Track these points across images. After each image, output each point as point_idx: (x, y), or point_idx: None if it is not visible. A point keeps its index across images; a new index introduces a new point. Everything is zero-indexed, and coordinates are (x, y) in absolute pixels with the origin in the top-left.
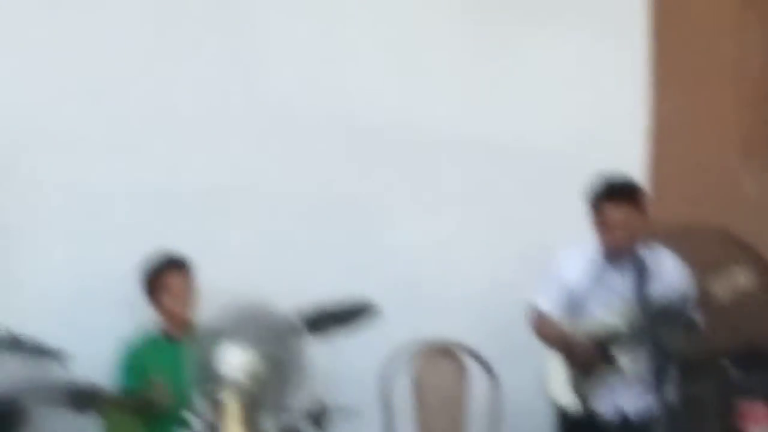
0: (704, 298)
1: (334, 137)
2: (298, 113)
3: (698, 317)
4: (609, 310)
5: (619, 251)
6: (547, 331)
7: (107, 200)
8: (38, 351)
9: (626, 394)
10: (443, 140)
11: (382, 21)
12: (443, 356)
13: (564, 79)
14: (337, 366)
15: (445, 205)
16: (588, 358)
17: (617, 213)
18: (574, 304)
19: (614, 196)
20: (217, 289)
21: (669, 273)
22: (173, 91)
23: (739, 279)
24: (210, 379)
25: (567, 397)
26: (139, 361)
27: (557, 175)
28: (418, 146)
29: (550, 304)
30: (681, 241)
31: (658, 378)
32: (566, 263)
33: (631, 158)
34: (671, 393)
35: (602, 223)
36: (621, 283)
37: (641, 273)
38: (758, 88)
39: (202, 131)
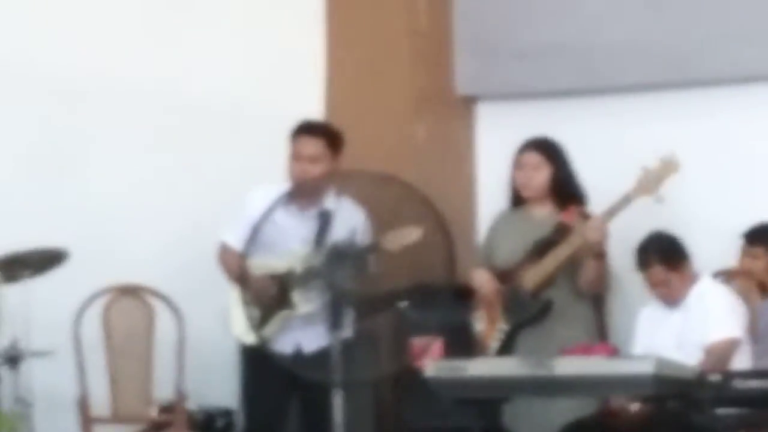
0: (377, 246)
1: (26, 88)
2: None
3: (372, 259)
4: (288, 251)
5: (307, 194)
6: (229, 264)
7: None
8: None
9: (304, 331)
10: (135, 90)
11: None
12: (131, 298)
13: (245, 32)
14: (31, 310)
15: (135, 154)
16: (264, 292)
17: (307, 145)
18: (256, 241)
19: (308, 130)
20: None
21: (349, 221)
22: None
23: (408, 236)
24: None
25: (246, 333)
26: None
27: (241, 122)
28: (109, 96)
29: (235, 240)
30: (354, 185)
31: (333, 316)
32: (253, 201)
33: (309, 107)
34: (347, 330)
35: (293, 155)
36: (302, 226)
37: (323, 221)
38: (429, 42)
39: None
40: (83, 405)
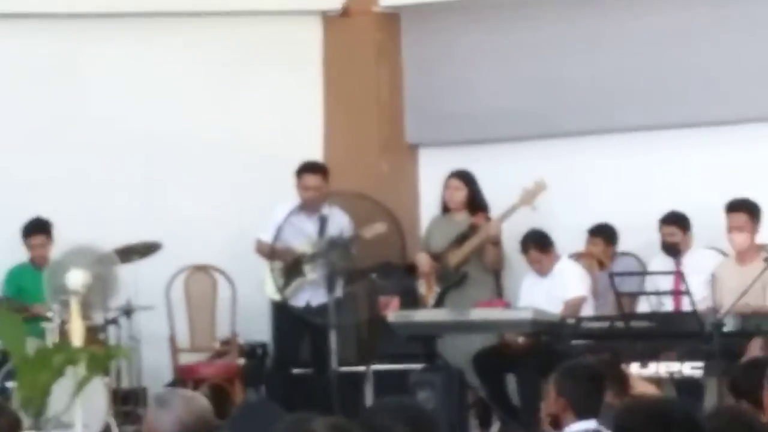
0: (357, 236)
1: (131, 138)
2: (113, 126)
3: (354, 247)
4: (301, 241)
5: (311, 206)
6: (262, 249)
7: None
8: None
9: (311, 292)
10: (204, 140)
11: (158, 67)
12: (202, 273)
13: (263, 107)
14: (139, 281)
15: (202, 181)
16: (285, 258)
17: (310, 180)
18: (280, 236)
19: (308, 169)
20: (69, 237)
21: (338, 222)
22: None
23: (378, 229)
24: (61, 290)
25: (275, 294)
26: (17, 280)
27: (270, 162)
28: (185, 144)
29: (266, 236)
30: (341, 200)
31: (329, 283)
32: (276, 213)
33: (313, 152)
34: (338, 292)
35: (301, 186)
36: (310, 226)
37: (322, 222)
38: (389, 108)
39: (64, 143)
40: (172, 341)
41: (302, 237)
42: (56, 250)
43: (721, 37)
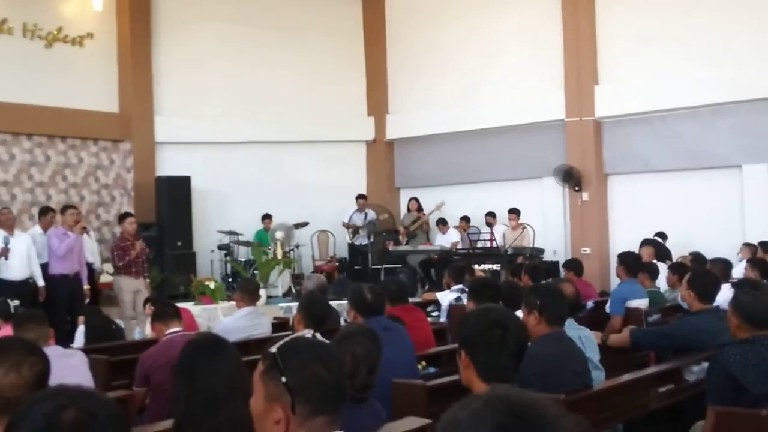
0: (377, 220)
1: (305, 187)
2: (295, 181)
3: (377, 224)
4: (358, 222)
5: (361, 209)
6: (344, 224)
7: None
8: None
9: (362, 239)
10: (322, 189)
11: (302, 163)
12: (323, 233)
13: (342, 176)
14: (301, 236)
15: (324, 201)
16: (353, 226)
17: (360, 200)
18: (350, 219)
19: (360, 197)
20: (277, 219)
21: (371, 214)
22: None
23: (385, 216)
24: (275, 239)
25: (350, 240)
26: (259, 236)
27: (344, 196)
28: (319, 188)
29: (345, 220)
30: (372, 207)
31: (368, 236)
32: (349, 211)
33: (361, 190)
34: (371, 239)
35: (357, 203)
36: (361, 216)
37: (366, 215)
38: (387, 175)
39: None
40: (312, 257)
41: (358, 220)
42: (273, 224)
43: (522, 149)
